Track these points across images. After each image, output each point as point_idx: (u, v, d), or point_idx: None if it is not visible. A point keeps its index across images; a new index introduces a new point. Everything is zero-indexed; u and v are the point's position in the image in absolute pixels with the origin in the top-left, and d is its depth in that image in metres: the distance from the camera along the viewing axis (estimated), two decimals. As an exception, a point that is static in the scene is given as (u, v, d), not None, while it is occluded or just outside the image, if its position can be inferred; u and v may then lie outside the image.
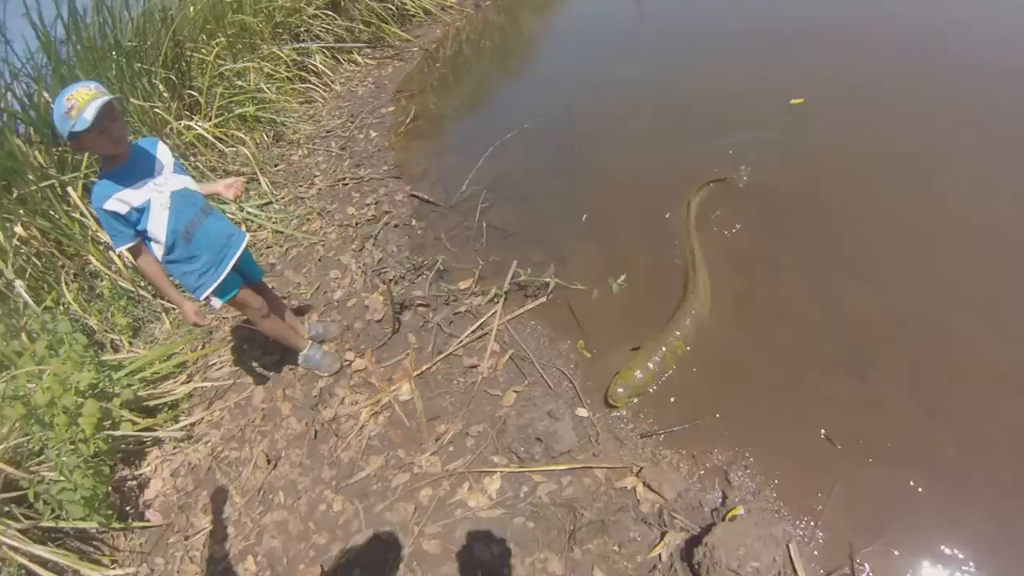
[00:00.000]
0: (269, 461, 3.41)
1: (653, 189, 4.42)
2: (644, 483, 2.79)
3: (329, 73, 6.77)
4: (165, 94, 5.57)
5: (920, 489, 2.59)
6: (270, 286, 4.11)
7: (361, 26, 7.13)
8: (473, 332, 3.65)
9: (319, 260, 4.53)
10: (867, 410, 2.90)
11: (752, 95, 5.12)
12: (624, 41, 6.73)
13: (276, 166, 5.64)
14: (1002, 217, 3.65)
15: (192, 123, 5.41)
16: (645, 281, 3.77)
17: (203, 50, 6.02)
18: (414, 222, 4.66)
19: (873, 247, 3.65)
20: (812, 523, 2.56)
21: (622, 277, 3.73)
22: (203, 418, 3.75)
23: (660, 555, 2.55)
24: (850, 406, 2.93)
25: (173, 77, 5.68)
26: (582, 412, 3.14)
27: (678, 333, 3.30)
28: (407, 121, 5.82)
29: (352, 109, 6.32)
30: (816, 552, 2.47)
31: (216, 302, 3.22)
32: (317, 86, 6.55)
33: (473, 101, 6.16)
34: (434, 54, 6.95)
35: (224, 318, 4.33)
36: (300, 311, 4.17)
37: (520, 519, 2.77)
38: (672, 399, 3.13)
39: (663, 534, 2.62)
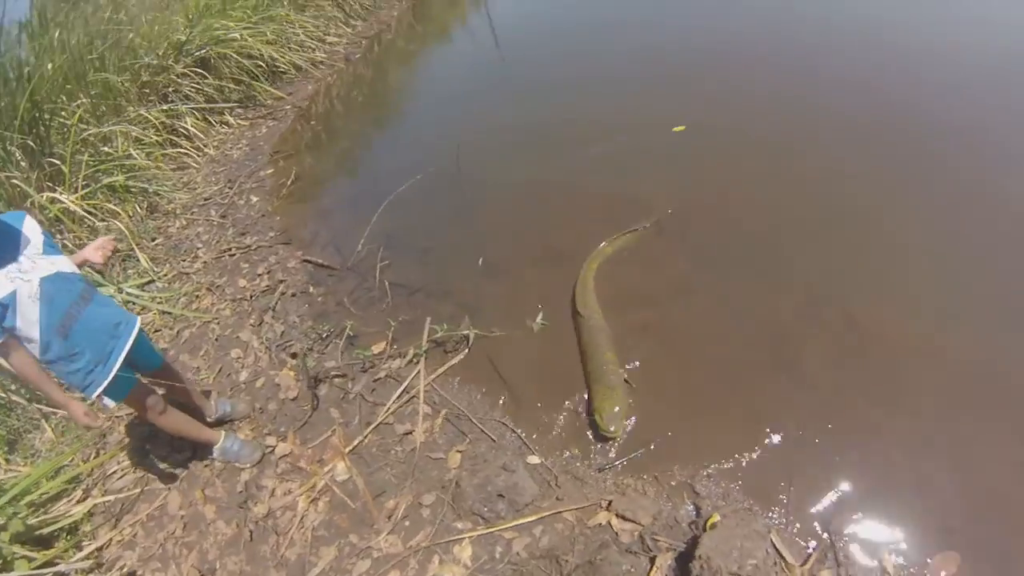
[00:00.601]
0: None
1: (549, 223, 4.44)
2: (617, 515, 2.75)
3: (201, 136, 6.02)
4: (23, 163, 4.67)
5: (866, 460, 2.82)
6: None
7: (231, 85, 6.42)
8: (399, 397, 3.40)
9: (216, 340, 4.01)
10: (801, 399, 3.11)
11: (633, 123, 5.33)
12: (496, 81, 6.74)
13: (153, 240, 4.92)
14: (887, 207, 4.10)
15: (57, 195, 4.58)
16: (566, 314, 3.74)
17: (63, 112, 5.13)
18: (312, 289, 4.28)
19: (772, 252, 3.93)
20: (784, 511, 2.68)
21: (540, 316, 3.68)
22: (111, 539, 3.15)
23: None
24: (787, 398, 3.12)
25: (31, 143, 4.77)
26: (533, 460, 3.04)
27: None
28: (288, 183, 5.36)
29: (229, 174, 5.68)
30: (796, 536, 2.59)
31: (109, 403, 2.72)
32: (189, 151, 5.80)
33: (353, 157, 5.81)
34: (308, 111, 6.47)
35: (118, 416, 3.68)
36: (206, 392, 3.66)
37: None
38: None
39: (652, 559, 2.58)
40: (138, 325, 2.81)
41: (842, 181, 4.32)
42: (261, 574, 2.87)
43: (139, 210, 5.06)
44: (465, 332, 3.57)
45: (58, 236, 4.42)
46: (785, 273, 3.76)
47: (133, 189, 5.14)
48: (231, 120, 6.25)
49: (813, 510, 2.68)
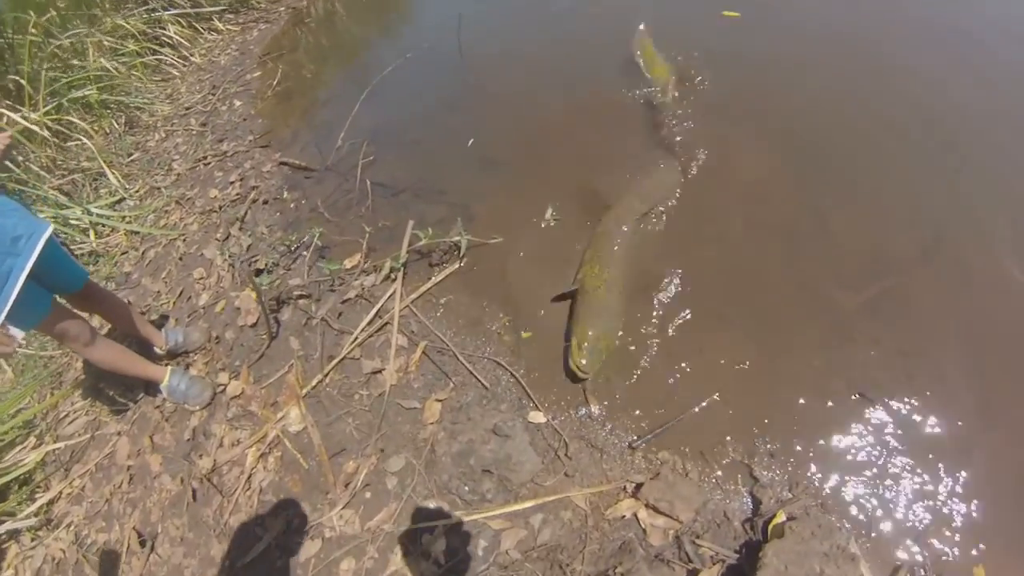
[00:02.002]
0: (143, 542, 2.02)
1: (565, 108, 2.99)
2: (647, 505, 1.60)
3: (187, 44, 4.69)
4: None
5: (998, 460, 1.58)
6: (125, 302, 2.56)
7: None
8: (370, 324, 2.24)
9: (180, 259, 2.90)
10: (912, 364, 1.78)
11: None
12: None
13: (130, 156, 3.75)
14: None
15: (15, 116, 3.47)
16: (578, 211, 2.43)
17: (33, 28, 3.81)
18: (286, 194, 3.04)
19: (854, 172, 2.42)
20: (865, 513, 1.51)
21: (550, 211, 2.41)
22: (61, 492, 2.26)
23: None
24: (890, 361, 1.80)
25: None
26: (537, 417, 1.86)
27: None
28: (274, 84, 3.99)
29: (214, 80, 4.34)
30: (874, 547, 1.45)
31: (17, 332, 1.78)
32: (174, 60, 4.57)
33: (349, 53, 4.31)
34: (303, 11, 4.98)
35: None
36: (162, 319, 2.64)
37: None
38: (653, 381, 1.88)
39: (694, 574, 1.46)
40: (47, 235, 1.79)
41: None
42: (203, 544, 1.92)
43: (116, 126, 3.88)
44: (456, 239, 2.32)
45: (20, 160, 3.34)
46: (869, 192, 2.32)
47: (110, 104, 3.96)
48: (220, 26, 4.85)
49: (904, 515, 1.52)
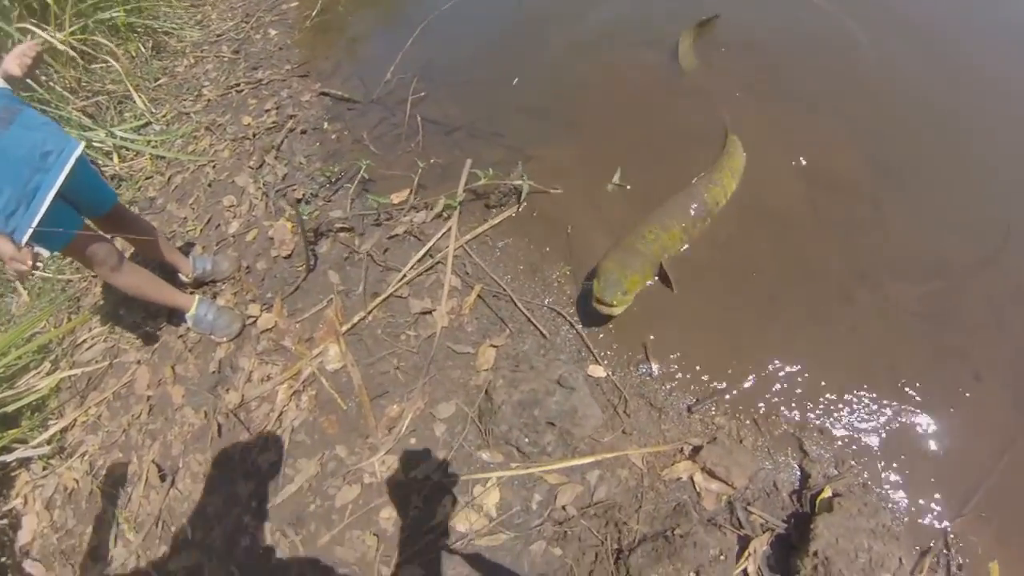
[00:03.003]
0: (163, 476, 1.93)
1: (632, 55, 2.79)
2: (704, 469, 1.52)
3: None
4: (-3, -5, 3.38)
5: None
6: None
7: None
8: (420, 262, 2.10)
9: (208, 185, 2.77)
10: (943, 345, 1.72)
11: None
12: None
13: (157, 81, 3.60)
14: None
15: (38, 31, 3.32)
16: (647, 174, 2.24)
17: None
18: (326, 125, 2.89)
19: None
20: (902, 492, 1.51)
21: (617, 174, 2.22)
22: (76, 420, 2.17)
23: (746, 570, 1.36)
24: (922, 344, 1.74)
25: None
26: (597, 371, 1.75)
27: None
28: (313, 14, 3.78)
29: (247, 8, 4.15)
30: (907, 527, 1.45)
31: (43, 251, 1.69)
32: None
33: None
34: None
35: (96, 276, 2.61)
36: (187, 247, 2.51)
37: (539, 544, 1.48)
38: (713, 348, 1.78)
39: (745, 540, 1.40)
40: (78, 153, 1.70)
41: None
42: (227, 481, 1.83)
43: (143, 50, 3.70)
44: (517, 182, 2.16)
45: (43, 80, 3.19)
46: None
47: (137, 27, 3.79)
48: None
49: (938, 496, 1.51)
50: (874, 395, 1.65)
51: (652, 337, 1.82)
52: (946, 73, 2.51)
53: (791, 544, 1.43)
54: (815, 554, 1.31)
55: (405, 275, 2.04)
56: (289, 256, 2.34)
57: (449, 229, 2.14)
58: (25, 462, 2.12)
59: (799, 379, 1.69)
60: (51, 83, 3.22)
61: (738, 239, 2.02)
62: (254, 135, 2.93)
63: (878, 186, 2.12)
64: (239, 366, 2.09)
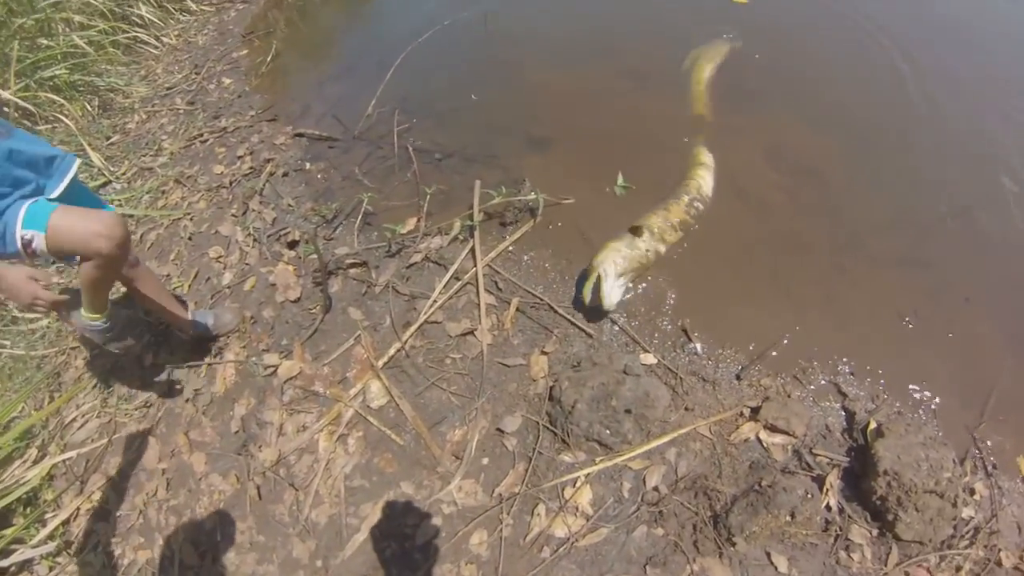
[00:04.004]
0: (202, 554, 1.79)
1: (610, 77, 2.97)
2: (766, 425, 1.68)
3: (160, 23, 4.39)
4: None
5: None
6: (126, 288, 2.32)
7: None
8: (447, 286, 2.12)
9: (189, 239, 2.67)
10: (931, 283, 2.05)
11: None
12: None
13: (108, 139, 3.44)
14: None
15: None
16: (648, 176, 2.40)
17: None
18: (308, 165, 2.87)
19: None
20: (930, 414, 1.77)
21: (620, 178, 2.35)
22: (79, 508, 1.98)
23: (829, 505, 1.54)
24: (916, 283, 2.06)
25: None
26: (648, 359, 1.85)
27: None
28: (268, 60, 3.78)
29: (195, 60, 4.08)
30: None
31: (38, 240, 1.43)
32: (146, 40, 4.26)
33: (346, 26, 4.16)
34: None
35: (73, 348, 2.43)
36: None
37: (641, 529, 1.54)
38: (742, 319, 1.98)
39: (819, 479, 1.59)
40: (77, 163, 1.67)
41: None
42: (279, 546, 1.73)
43: (89, 108, 3.56)
44: (530, 197, 2.25)
45: None
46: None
47: (80, 86, 3.64)
48: (192, 6, 4.61)
49: (959, 409, 1.78)
50: (885, 334, 1.93)
51: (688, 320, 1.98)
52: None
53: (856, 474, 1.62)
54: (885, 472, 1.51)
55: (435, 300, 2.06)
56: (298, 300, 2.29)
57: (471, 250, 2.19)
58: (26, 565, 1.92)
59: (820, 334, 1.94)
60: None
61: (731, 228, 2.24)
62: (230, 183, 2.86)
63: (844, 166, 2.44)
64: (266, 421, 2.00)
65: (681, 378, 1.82)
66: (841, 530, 1.52)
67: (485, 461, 1.71)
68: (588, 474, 1.62)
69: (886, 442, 1.57)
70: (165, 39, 4.30)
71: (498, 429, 1.75)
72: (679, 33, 3.16)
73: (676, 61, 2.99)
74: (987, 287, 2.03)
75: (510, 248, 2.23)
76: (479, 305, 2.04)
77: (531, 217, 2.30)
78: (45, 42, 3.67)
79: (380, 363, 1.97)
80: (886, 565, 1.48)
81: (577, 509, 1.57)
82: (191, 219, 2.78)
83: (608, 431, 1.64)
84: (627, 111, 2.77)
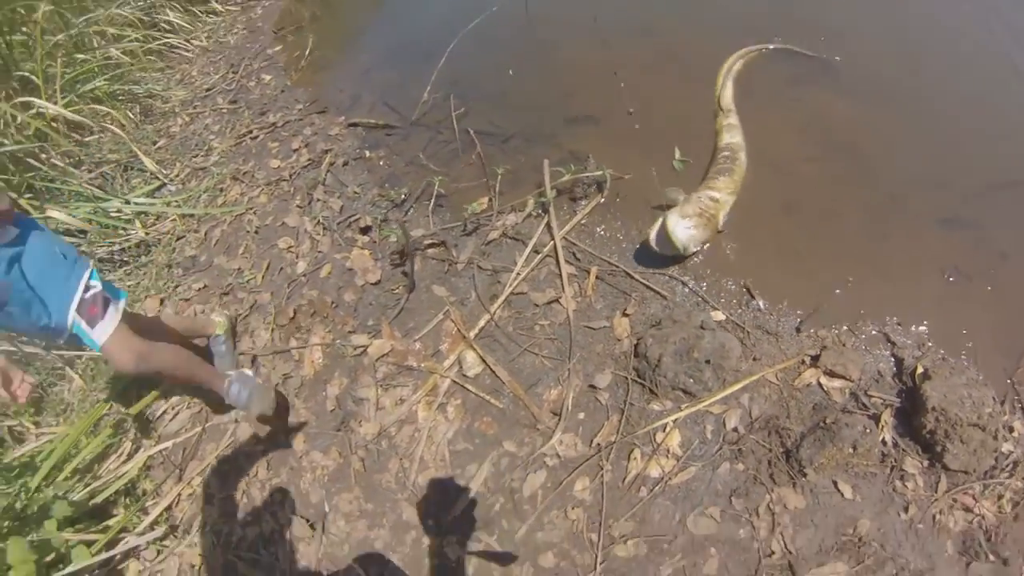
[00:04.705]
0: (312, 526, 1.92)
1: (656, 57, 3.10)
2: (826, 371, 1.87)
3: (188, 27, 4.55)
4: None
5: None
6: (199, 285, 2.53)
7: None
8: (528, 259, 2.25)
9: (256, 232, 2.81)
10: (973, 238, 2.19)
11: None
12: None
13: (155, 144, 3.60)
14: None
15: (34, 101, 3.20)
16: (705, 149, 2.54)
17: (23, 27, 3.62)
18: (368, 153, 3.01)
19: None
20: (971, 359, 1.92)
21: (677, 153, 2.50)
22: (179, 495, 2.10)
23: (884, 439, 1.77)
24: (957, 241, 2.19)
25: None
26: (718, 315, 2.02)
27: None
28: (306, 54, 3.93)
29: (229, 59, 4.24)
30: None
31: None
32: (177, 44, 4.37)
33: (383, 14, 4.31)
34: None
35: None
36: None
37: (724, 465, 1.73)
38: (798, 276, 2.15)
39: (876, 417, 1.77)
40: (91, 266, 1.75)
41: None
42: (389, 511, 1.86)
43: (131, 116, 3.71)
44: (597, 173, 2.39)
45: (42, 156, 3.13)
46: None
47: (120, 95, 3.77)
48: (218, 7, 4.76)
49: (999, 358, 1.93)
50: (929, 288, 2.08)
51: (750, 279, 2.14)
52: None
53: (907, 412, 1.80)
54: (932, 409, 1.69)
55: (518, 272, 2.19)
56: (378, 282, 2.42)
57: (547, 224, 2.33)
58: (133, 552, 2.05)
59: (869, 287, 2.10)
60: (51, 160, 3.15)
61: (781, 194, 2.38)
62: (290, 175, 3.00)
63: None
64: (361, 398, 2.13)
65: (748, 331, 1.99)
66: (896, 461, 1.71)
67: (581, 416, 1.86)
68: (676, 420, 1.81)
69: (932, 383, 1.75)
70: (195, 42, 4.45)
71: (591, 386, 1.90)
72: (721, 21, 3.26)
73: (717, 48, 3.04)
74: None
75: (583, 221, 2.36)
76: (560, 275, 2.17)
77: (599, 192, 2.42)
78: (82, 56, 3.83)
79: (472, 334, 2.10)
80: (936, 492, 1.66)
81: (668, 451, 1.76)
82: (254, 213, 2.92)
83: (692, 380, 1.83)
84: (678, 91, 2.88)
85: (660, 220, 2.06)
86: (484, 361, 2.01)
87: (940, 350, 1.94)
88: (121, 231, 2.98)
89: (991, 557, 1.58)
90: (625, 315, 2.04)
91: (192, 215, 3.02)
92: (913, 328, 2.00)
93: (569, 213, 2.41)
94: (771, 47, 3.00)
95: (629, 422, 1.83)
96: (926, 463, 1.73)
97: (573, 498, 1.73)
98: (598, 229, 2.34)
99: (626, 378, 1.91)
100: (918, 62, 2.82)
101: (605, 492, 1.71)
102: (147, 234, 2.97)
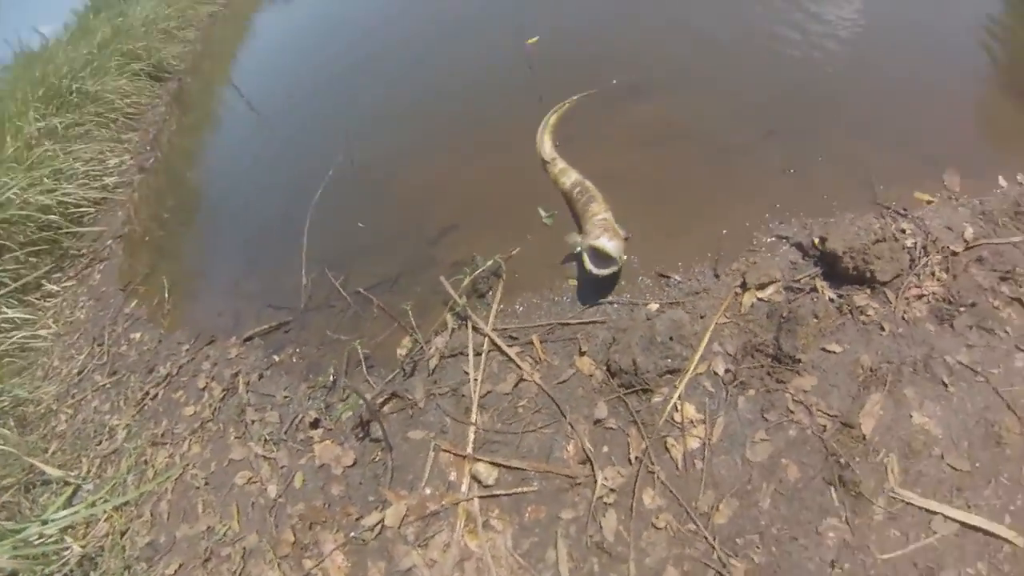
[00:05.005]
0: None
1: (477, 150, 3.72)
2: (756, 287, 2.35)
3: (31, 317, 4.28)
4: None
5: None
6: (173, 567, 2.40)
7: (31, 257, 4.65)
8: (474, 363, 2.46)
9: (206, 484, 2.68)
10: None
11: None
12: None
13: (47, 451, 3.26)
14: None
15: None
16: (557, 199, 3.04)
17: None
18: (277, 357, 3.05)
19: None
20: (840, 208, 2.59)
21: (542, 211, 2.93)
22: None
23: (830, 298, 2.24)
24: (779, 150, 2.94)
25: None
26: (653, 306, 2.43)
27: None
28: (166, 297, 3.86)
29: (89, 335, 4.01)
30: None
31: None
32: (26, 340, 4.05)
33: (218, 233, 4.41)
34: (133, 233, 4.87)
35: None
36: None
37: (740, 399, 2.06)
38: (686, 241, 2.68)
39: (813, 288, 2.32)
40: None
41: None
42: None
43: (8, 432, 3.35)
44: (489, 263, 2.70)
45: None
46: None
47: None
48: (53, 287, 4.53)
49: (860, 197, 2.60)
50: (782, 186, 2.73)
51: (658, 266, 2.59)
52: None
53: (830, 271, 2.33)
54: (844, 253, 2.24)
55: (475, 378, 2.37)
56: (355, 462, 2.44)
57: (473, 327, 2.57)
58: None
59: (743, 213, 2.66)
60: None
61: (637, 192, 2.95)
62: (212, 414, 2.92)
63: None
64: (408, 568, 2.08)
65: (682, 302, 2.40)
66: (850, 305, 2.17)
67: (606, 449, 2.07)
68: (679, 395, 2.10)
69: (832, 240, 2.28)
70: (44, 331, 4.16)
71: (595, 422, 2.13)
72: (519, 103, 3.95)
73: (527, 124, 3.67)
74: (827, 125, 2.95)
75: (500, 307, 2.65)
76: (511, 359, 2.41)
77: (499, 278, 2.74)
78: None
79: (469, 450, 2.22)
80: (891, 302, 2.13)
81: (692, 421, 2.04)
82: (194, 467, 2.78)
83: (668, 359, 2.15)
84: (506, 170, 3.43)
85: (585, 252, 2.43)
86: (495, 464, 2.15)
87: (819, 217, 2.54)
88: (54, 556, 2.65)
89: (961, 309, 2.07)
90: (582, 355, 2.34)
91: (126, 503, 2.78)
92: (792, 218, 2.58)
93: (484, 308, 2.69)
94: (566, 104, 3.70)
95: (646, 424, 2.09)
96: (869, 291, 2.20)
97: (650, 511, 1.91)
98: (516, 306, 2.65)
99: (618, 396, 2.18)
100: (686, 62, 3.70)
101: (671, 485, 1.93)
102: (84, 546, 2.67)
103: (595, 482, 2.00)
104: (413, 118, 4.43)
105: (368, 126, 4.66)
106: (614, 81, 3.75)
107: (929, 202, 2.52)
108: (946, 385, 1.97)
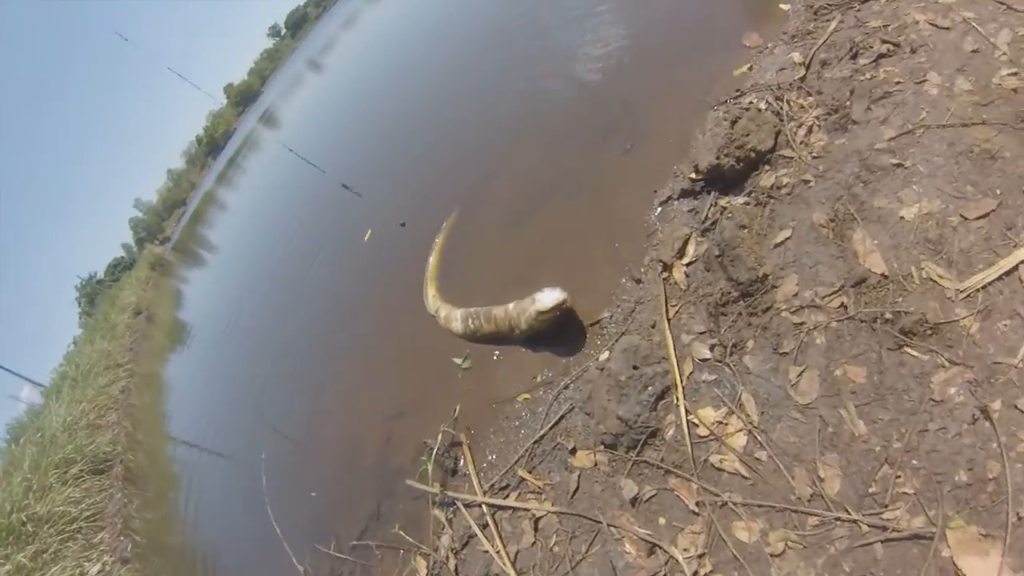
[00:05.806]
0: None
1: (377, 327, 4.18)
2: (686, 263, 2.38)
3: None
4: None
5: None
6: None
7: None
8: (486, 536, 2.24)
9: None
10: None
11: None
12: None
13: None
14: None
15: None
16: (460, 345, 3.14)
17: None
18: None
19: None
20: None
21: (457, 360, 3.04)
22: None
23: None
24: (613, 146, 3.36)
25: None
26: (604, 355, 2.41)
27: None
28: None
29: None
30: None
31: None
32: None
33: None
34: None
35: None
36: None
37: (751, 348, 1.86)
38: (595, 283, 2.79)
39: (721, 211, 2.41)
40: None
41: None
42: None
43: None
44: (439, 438, 2.59)
45: None
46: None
47: None
48: None
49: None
50: (638, 167, 3.05)
51: (587, 322, 2.65)
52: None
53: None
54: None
55: (497, 552, 2.14)
56: None
57: (463, 505, 2.39)
58: None
59: (628, 212, 2.88)
60: None
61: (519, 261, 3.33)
62: None
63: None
64: None
65: (625, 329, 2.38)
66: (761, 191, 2.19)
67: (662, 521, 1.85)
68: (687, 410, 1.93)
69: (700, 158, 2.43)
70: None
71: (632, 501, 1.92)
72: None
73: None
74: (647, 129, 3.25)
75: (477, 469, 2.51)
76: (514, 508, 2.24)
77: (460, 446, 2.64)
78: None
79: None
80: (795, 155, 2.15)
81: (717, 422, 1.85)
82: None
83: (648, 387, 2.00)
84: (415, 350, 3.54)
85: (534, 305, 2.53)
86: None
87: (679, 161, 2.70)
88: None
89: (848, 104, 2.07)
90: (574, 452, 2.21)
91: None
92: (662, 179, 2.76)
93: (463, 477, 2.56)
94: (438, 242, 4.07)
95: (679, 464, 1.88)
96: (768, 167, 2.25)
97: (754, 542, 1.60)
98: (490, 457, 2.54)
99: (634, 462, 1.97)
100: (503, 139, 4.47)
101: (753, 498, 1.65)
102: None
103: (676, 561, 1.73)
104: (304, 376, 4.79)
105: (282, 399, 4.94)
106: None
107: (750, 69, 2.75)
108: (901, 164, 1.82)
